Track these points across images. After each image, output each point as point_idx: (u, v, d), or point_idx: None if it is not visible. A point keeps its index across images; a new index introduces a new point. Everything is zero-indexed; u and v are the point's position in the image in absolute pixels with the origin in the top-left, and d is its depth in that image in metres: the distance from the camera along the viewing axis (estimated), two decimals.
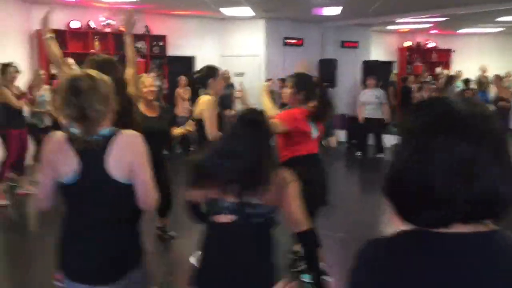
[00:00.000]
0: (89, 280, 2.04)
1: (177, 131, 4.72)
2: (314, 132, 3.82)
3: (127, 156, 2.01)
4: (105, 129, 2.01)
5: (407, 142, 0.98)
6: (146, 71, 9.52)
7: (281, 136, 3.72)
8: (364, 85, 10.48)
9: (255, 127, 2.16)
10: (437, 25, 13.11)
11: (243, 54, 11.57)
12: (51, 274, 3.83)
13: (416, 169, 0.94)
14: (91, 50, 9.67)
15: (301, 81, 3.86)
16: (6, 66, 6.29)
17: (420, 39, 15.68)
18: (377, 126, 9.77)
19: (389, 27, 13.81)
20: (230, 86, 10.44)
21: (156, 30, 10.57)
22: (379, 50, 14.43)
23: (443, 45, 15.86)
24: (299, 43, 11.92)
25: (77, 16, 9.51)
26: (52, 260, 4.02)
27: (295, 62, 10.72)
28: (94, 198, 2.02)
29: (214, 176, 2.10)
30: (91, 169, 1.98)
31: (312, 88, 3.86)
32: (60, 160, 1.99)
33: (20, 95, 6.31)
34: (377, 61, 12.87)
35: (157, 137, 3.86)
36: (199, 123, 4.16)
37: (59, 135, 2.05)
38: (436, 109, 0.97)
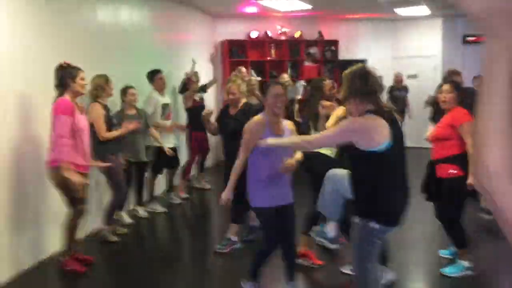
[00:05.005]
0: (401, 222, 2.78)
1: None
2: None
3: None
4: None
5: None
6: (319, 75, 9.76)
7: None
8: None
9: None
10: None
11: (417, 55, 11.13)
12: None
13: None
14: (268, 58, 10.29)
15: None
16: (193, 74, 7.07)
17: None
18: None
19: None
20: (403, 88, 10.14)
21: (329, 35, 10.78)
22: None
23: None
24: (481, 41, 11.00)
25: (256, 27, 10.20)
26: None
27: (476, 62, 9.98)
28: (401, 159, 2.75)
29: None
30: (398, 137, 2.67)
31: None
32: (377, 131, 2.62)
33: (198, 100, 6.98)
34: None
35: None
36: None
37: (378, 118, 2.65)
38: None
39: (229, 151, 4.78)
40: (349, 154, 2.82)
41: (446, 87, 4.00)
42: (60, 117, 4.00)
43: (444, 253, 4.44)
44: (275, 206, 3.41)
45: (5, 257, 4.10)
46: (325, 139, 2.89)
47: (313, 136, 2.96)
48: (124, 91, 5.45)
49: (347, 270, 4.03)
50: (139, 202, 6.00)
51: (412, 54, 11.15)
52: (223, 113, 4.90)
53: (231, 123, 4.65)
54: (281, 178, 3.40)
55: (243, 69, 8.10)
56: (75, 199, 4.24)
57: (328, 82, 4.68)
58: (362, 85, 2.70)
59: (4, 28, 4.06)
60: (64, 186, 4.15)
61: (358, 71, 2.79)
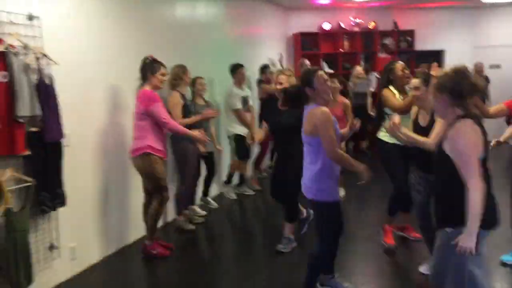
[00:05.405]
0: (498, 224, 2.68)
1: None
2: None
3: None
4: None
5: None
6: None
7: None
8: None
9: None
10: None
11: (500, 44, 10.54)
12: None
13: None
14: (340, 50, 10.17)
15: None
16: (266, 67, 7.20)
17: None
18: None
19: None
20: (484, 79, 9.65)
21: (404, 25, 10.46)
22: None
23: None
24: None
25: (329, 18, 10.11)
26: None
27: None
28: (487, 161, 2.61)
29: None
30: (486, 142, 2.59)
31: None
32: (478, 140, 2.55)
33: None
34: None
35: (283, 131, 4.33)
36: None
37: (474, 124, 2.55)
38: None
39: (283, 149, 4.55)
40: (444, 167, 2.60)
41: None
42: (157, 105, 4.31)
43: (506, 259, 4.17)
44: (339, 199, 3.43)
45: (93, 242, 4.39)
46: (477, 179, 2.48)
47: (471, 190, 2.50)
48: (193, 81, 5.61)
49: (425, 270, 3.92)
50: (206, 193, 6.16)
51: (495, 43, 10.58)
52: (270, 107, 4.60)
53: (286, 118, 4.27)
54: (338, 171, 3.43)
55: (307, 61, 8.09)
56: (160, 186, 4.44)
57: (399, 64, 4.49)
58: (457, 87, 2.55)
59: (94, 25, 4.33)
60: (150, 173, 4.38)
61: (456, 72, 2.61)
